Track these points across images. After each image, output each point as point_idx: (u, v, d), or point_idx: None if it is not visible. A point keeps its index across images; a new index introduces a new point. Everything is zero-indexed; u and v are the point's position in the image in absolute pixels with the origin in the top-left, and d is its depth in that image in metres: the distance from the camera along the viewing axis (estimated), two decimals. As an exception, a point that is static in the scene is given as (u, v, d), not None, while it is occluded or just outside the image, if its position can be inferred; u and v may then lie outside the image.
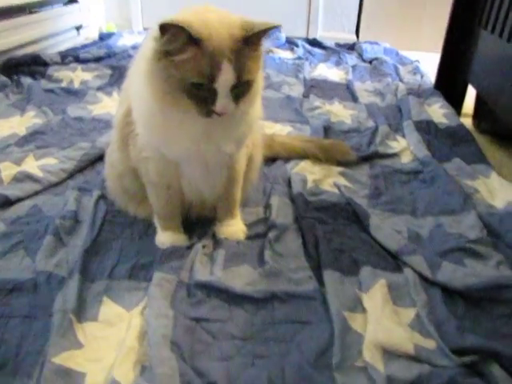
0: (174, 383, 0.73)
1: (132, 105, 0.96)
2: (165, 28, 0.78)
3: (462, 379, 0.77)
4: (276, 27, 0.83)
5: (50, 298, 0.91)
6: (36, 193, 1.28)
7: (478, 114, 1.95)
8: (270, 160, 1.45)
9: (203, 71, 0.79)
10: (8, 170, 1.34)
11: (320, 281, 0.99)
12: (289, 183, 1.35)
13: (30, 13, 2.46)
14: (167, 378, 0.73)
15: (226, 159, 1.02)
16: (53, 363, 0.77)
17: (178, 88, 0.82)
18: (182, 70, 0.80)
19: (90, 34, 3.10)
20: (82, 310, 0.90)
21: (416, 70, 2.50)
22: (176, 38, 0.78)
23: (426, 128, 1.74)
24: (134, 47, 2.63)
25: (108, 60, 2.44)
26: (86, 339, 0.84)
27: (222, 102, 0.82)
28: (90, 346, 0.83)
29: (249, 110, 0.93)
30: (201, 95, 0.82)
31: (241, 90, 0.84)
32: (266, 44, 0.88)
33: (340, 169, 1.46)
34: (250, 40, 0.81)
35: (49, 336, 0.82)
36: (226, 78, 0.80)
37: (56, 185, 1.33)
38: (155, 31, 0.80)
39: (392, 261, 1.07)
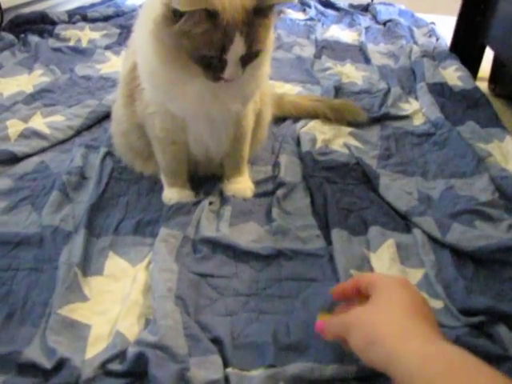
0: (177, 335, 0.73)
1: (137, 60, 0.94)
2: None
3: (468, 338, 0.77)
4: (289, 0, 0.81)
5: (55, 252, 0.91)
6: (43, 149, 1.27)
7: (494, 78, 1.90)
8: (280, 119, 1.43)
9: (216, 44, 0.78)
10: (15, 126, 1.33)
11: (327, 239, 0.99)
12: (298, 142, 1.33)
13: (39, -31, 2.42)
14: (170, 329, 0.73)
15: (233, 116, 1.00)
16: (58, 314, 0.78)
17: (187, 56, 0.81)
18: (194, 42, 0.79)
19: (98, -7, 3.04)
20: (88, 264, 0.90)
21: (431, 33, 2.42)
22: (193, 15, 0.76)
23: (440, 90, 1.69)
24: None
25: (116, 19, 2.39)
26: (92, 292, 0.85)
27: (231, 70, 0.82)
28: (95, 299, 0.84)
29: (256, 70, 0.91)
30: (210, 63, 0.82)
31: (250, 56, 0.83)
32: (277, 9, 0.85)
33: (350, 129, 1.43)
34: (262, 10, 0.79)
35: (55, 288, 0.83)
36: (236, 50, 0.79)
37: (63, 142, 1.32)
38: None
39: (401, 221, 1.06)
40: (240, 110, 0.98)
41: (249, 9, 0.78)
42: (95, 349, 0.74)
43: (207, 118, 0.97)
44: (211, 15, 0.76)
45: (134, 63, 0.96)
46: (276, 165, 1.22)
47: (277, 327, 0.78)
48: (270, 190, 1.13)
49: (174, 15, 0.77)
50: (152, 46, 0.85)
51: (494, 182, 1.17)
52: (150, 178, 1.14)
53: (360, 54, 2.15)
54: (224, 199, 1.09)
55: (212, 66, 0.82)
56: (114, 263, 0.92)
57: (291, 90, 1.67)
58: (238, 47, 0.79)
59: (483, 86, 1.91)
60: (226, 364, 0.73)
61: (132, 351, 0.71)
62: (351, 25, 2.59)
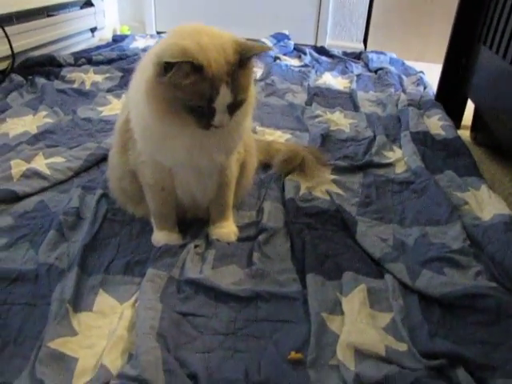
0: (156, 370, 0.79)
1: (131, 115, 1.04)
2: (171, 63, 0.85)
3: (427, 380, 0.82)
4: (268, 50, 0.91)
5: (49, 288, 0.98)
6: (43, 189, 1.35)
7: (475, 127, 2.00)
8: (267, 166, 1.52)
9: (204, 95, 0.88)
10: (18, 167, 1.41)
11: (304, 283, 1.05)
12: (283, 189, 1.41)
13: (48, 16, 2.56)
14: (150, 365, 0.79)
15: (218, 166, 1.09)
16: (48, 347, 0.84)
17: (179, 107, 0.91)
18: (184, 93, 0.88)
19: (104, 36, 3.19)
20: (79, 301, 0.97)
21: (419, 81, 2.54)
22: (180, 69, 0.86)
23: (423, 139, 1.78)
24: (145, 50, 2.70)
25: (120, 62, 2.52)
26: (81, 327, 0.91)
27: (220, 117, 0.91)
28: (83, 334, 0.90)
29: (239, 123, 1.01)
30: (200, 112, 0.91)
31: (236, 104, 0.93)
32: (256, 62, 0.96)
33: (334, 176, 1.51)
34: (244, 62, 0.90)
35: (47, 323, 0.89)
36: (223, 99, 0.89)
37: (62, 182, 1.40)
38: (156, 57, 0.88)
39: (374, 267, 1.12)
40: (224, 160, 1.08)
41: (232, 62, 0.89)
42: (80, 381, 0.80)
43: (194, 168, 1.06)
44: (197, 69, 0.86)
45: (128, 117, 1.06)
46: (260, 210, 1.30)
47: (249, 365, 0.85)
48: (252, 234, 1.21)
49: (165, 70, 0.86)
50: (147, 105, 0.94)
51: (466, 229, 1.24)
52: (142, 220, 1.22)
53: (350, 102, 2.25)
54: (209, 242, 1.16)
55: (202, 114, 0.91)
56: (103, 300, 0.98)
57: (281, 137, 1.77)
58: (224, 97, 0.89)
59: (466, 134, 2.01)
60: (200, 398, 0.78)
61: (113, 384, 0.77)
62: (344, 72, 2.71)
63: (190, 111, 0.91)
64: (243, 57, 0.89)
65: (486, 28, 1.87)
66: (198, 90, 0.88)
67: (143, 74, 0.95)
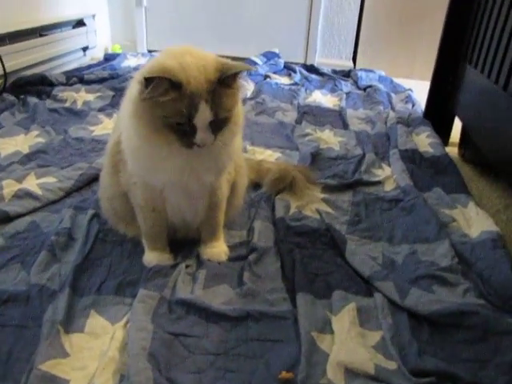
0: (147, 391, 0.80)
1: (122, 136, 1.05)
2: (150, 79, 0.88)
3: (416, 398, 0.83)
4: (249, 69, 0.93)
5: (41, 310, 0.98)
6: (35, 209, 1.36)
7: (463, 144, 2.03)
8: (258, 185, 1.53)
9: (183, 112, 0.90)
10: (10, 187, 1.42)
11: (294, 302, 1.05)
12: (273, 208, 1.42)
13: (41, 35, 2.58)
14: (142, 386, 0.80)
15: (208, 187, 1.11)
16: (39, 370, 0.84)
17: (162, 125, 0.92)
18: (164, 110, 0.90)
19: (95, 55, 3.22)
20: (70, 322, 0.97)
21: (408, 99, 2.58)
22: (159, 85, 0.88)
23: (411, 157, 1.81)
24: (137, 69, 2.71)
25: (111, 82, 2.54)
26: (72, 349, 0.91)
27: (201, 135, 0.92)
28: (75, 356, 0.90)
29: (228, 143, 1.02)
30: (182, 130, 0.93)
31: (218, 123, 0.94)
32: (243, 82, 0.97)
33: (324, 195, 1.53)
34: (225, 80, 0.92)
35: (38, 344, 0.89)
36: (203, 117, 0.91)
37: (54, 202, 1.41)
38: (140, 76, 0.91)
39: (364, 285, 1.13)
40: (214, 181, 1.09)
41: (212, 80, 0.91)
42: (72, 403, 0.81)
43: (184, 189, 1.08)
44: (176, 86, 0.88)
45: (119, 138, 1.07)
46: (251, 230, 1.31)
47: (240, 385, 0.85)
48: (243, 254, 1.22)
49: (146, 86, 0.89)
50: (132, 126, 0.97)
51: (454, 247, 1.26)
52: (133, 240, 1.23)
53: (339, 119, 2.28)
54: (200, 262, 1.17)
55: (184, 133, 0.93)
56: (95, 321, 0.99)
57: (271, 156, 1.79)
58: (204, 114, 0.90)
59: (454, 151, 2.04)
60: (191, 419, 0.79)
61: (106, 406, 0.77)
62: (333, 90, 2.75)
63: (172, 129, 0.93)
64: (223, 75, 0.91)
65: (471, 47, 1.92)
66: (177, 106, 0.89)
67: (130, 93, 0.97)
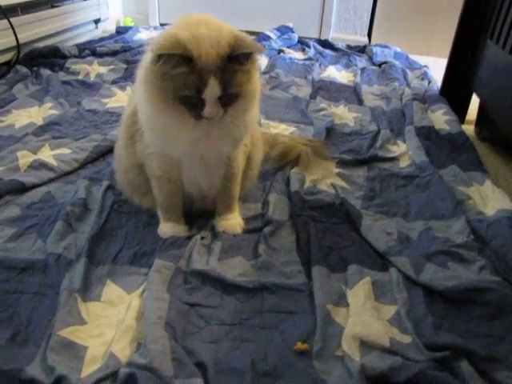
0: (165, 359, 0.80)
1: (137, 106, 1.05)
2: (161, 54, 0.87)
3: (430, 372, 0.83)
4: (261, 51, 0.93)
5: (58, 278, 0.99)
6: (50, 180, 1.36)
7: (479, 122, 2.00)
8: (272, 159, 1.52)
9: (192, 86, 0.89)
10: (25, 158, 1.42)
11: (309, 275, 1.06)
12: (288, 182, 1.42)
13: (52, 7, 2.56)
14: (159, 353, 0.81)
15: (224, 158, 1.10)
16: (58, 335, 0.85)
17: (172, 96, 0.92)
18: (174, 82, 0.90)
19: (107, 28, 3.19)
20: (87, 291, 0.98)
21: (424, 76, 2.54)
22: (170, 59, 0.88)
23: (427, 134, 1.79)
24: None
25: (124, 54, 2.52)
26: (89, 317, 0.92)
27: (209, 109, 0.92)
28: (92, 323, 0.91)
29: (244, 114, 1.01)
30: (191, 102, 0.92)
31: (228, 98, 0.93)
32: (255, 58, 0.96)
33: (338, 170, 1.52)
34: (237, 57, 0.90)
35: (56, 312, 0.91)
36: (212, 92, 0.90)
37: (69, 173, 1.41)
38: (153, 44, 0.90)
39: (379, 260, 1.13)
40: (230, 152, 1.09)
41: (223, 56, 0.89)
42: (90, 368, 0.82)
43: (200, 160, 1.07)
44: (187, 60, 0.87)
45: (135, 108, 1.07)
46: (265, 203, 1.31)
47: (256, 355, 0.86)
48: (258, 226, 1.22)
49: (157, 59, 0.88)
50: (143, 90, 0.97)
51: (470, 224, 1.25)
52: (148, 212, 1.23)
53: (354, 95, 2.25)
54: (215, 234, 1.17)
55: (193, 105, 0.93)
56: (111, 290, 1.00)
57: (285, 130, 1.77)
58: (212, 89, 0.90)
59: (470, 129, 2.01)
60: (208, 387, 0.80)
61: (123, 372, 0.78)
62: (348, 65, 2.71)
63: (181, 101, 0.93)
64: (235, 52, 0.90)
65: (493, 22, 1.87)
66: (187, 80, 0.89)
67: (145, 61, 0.97)
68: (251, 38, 0.94)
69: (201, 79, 0.89)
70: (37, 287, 0.98)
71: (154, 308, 0.91)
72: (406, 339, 0.91)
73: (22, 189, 1.30)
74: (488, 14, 1.93)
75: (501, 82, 1.72)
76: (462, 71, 2.10)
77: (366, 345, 0.89)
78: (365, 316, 0.95)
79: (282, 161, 1.50)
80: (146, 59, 0.95)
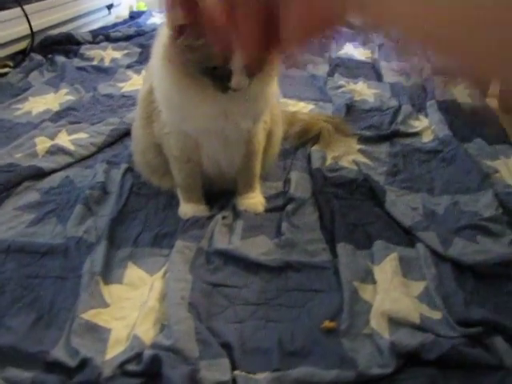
0: (189, 340, 0.79)
1: (153, 84, 1.02)
2: (184, 25, 0.83)
3: (463, 348, 0.80)
4: None
5: (79, 261, 0.98)
6: (68, 165, 1.35)
7: (503, 95, 1.94)
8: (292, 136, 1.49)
9: (218, 55, 0.85)
10: (43, 143, 1.42)
11: (334, 253, 1.03)
12: (309, 159, 1.39)
13: (65, -7, 2.54)
14: (184, 334, 0.79)
15: (244, 134, 1.07)
16: (81, 318, 0.84)
17: (195, 70, 0.88)
18: (198, 54, 0.86)
19: (120, 13, 3.16)
20: (108, 273, 0.97)
21: (444, 50, 2.47)
22: (194, 30, 0.83)
23: (450, 108, 1.74)
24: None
25: (138, 39, 2.49)
26: (112, 299, 0.91)
27: (237, 78, 0.88)
28: (115, 306, 0.90)
29: (264, 88, 0.98)
30: (217, 74, 0.88)
31: (254, 66, 0.89)
32: None
33: (360, 146, 1.49)
34: None
35: (78, 295, 0.90)
36: (239, 59, 0.85)
37: (86, 158, 1.40)
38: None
39: (405, 236, 1.10)
40: (251, 128, 1.05)
41: None
42: (114, 350, 0.81)
43: (219, 137, 1.04)
44: None
45: (151, 87, 1.04)
46: (287, 181, 1.28)
47: (282, 334, 0.84)
48: (280, 205, 1.19)
49: (179, 33, 0.84)
50: (164, 69, 0.94)
51: (497, 197, 1.21)
52: (167, 193, 1.21)
53: (373, 72, 2.21)
54: (236, 214, 1.15)
55: (219, 76, 0.89)
56: (133, 272, 0.98)
57: (304, 108, 1.74)
58: (240, 57, 0.85)
59: (494, 102, 1.95)
60: (234, 367, 0.78)
61: (148, 353, 0.77)
62: (365, 42, 2.65)
63: (206, 74, 0.89)
64: None
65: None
66: (213, 50, 0.84)
67: (162, 37, 0.93)
68: None
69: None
70: (58, 271, 0.97)
71: (177, 289, 0.90)
72: (437, 315, 0.89)
73: (41, 174, 1.29)
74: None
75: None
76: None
77: (395, 322, 0.86)
78: (393, 292, 0.92)
79: (303, 138, 1.47)
80: (163, 35, 0.92)
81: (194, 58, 0.87)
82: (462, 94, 1.89)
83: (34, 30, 2.22)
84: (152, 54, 1.02)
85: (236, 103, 0.97)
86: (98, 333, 0.84)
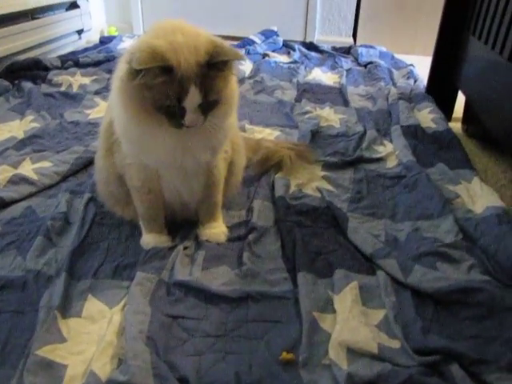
0: (146, 375, 0.78)
1: (112, 116, 1.03)
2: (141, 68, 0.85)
3: (420, 377, 0.81)
4: (240, 59, 0.91)
5: (37, 295, 0.97)
6: (31, 195, 1.34)
7: (466, 119, 1.99)
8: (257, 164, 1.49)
9: (173, 95, 0.87)
10: (5, 173, 1.40)
11: (295, 282, 1.04)
12: (272, 187, 1.40)
13: (33, 19, 2.53)
14: (140, 370, 0.78)
15: (203, 166, 1.08)
16: (36, 355, 0.83)
17: (151, 106, 0.90)
18: (154, 93, 0.88)
19: (91, 38, 3.17)
20: (67, 307, 0.95)
21: (410, 74, 2.53)
22: (149, 71, 0.85)
23: (414, 133, 1.77)
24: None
25: (107, 64, 2.49)
26: (69, 334, 0.90)
27: (191, 117, 0.90)
28: (72, 340, 0.89)
29: (222, 121, 1.00)
30: (171, 112, 0.90)
31: (208, 105, 0.92)
32: (234, 64, 0.94)
33: (324, 173, 1.50)
34: (216, 64, 0.89)
35: (35, 330, 0.88)
36: (192, 100, 0.88)
37: (50, 187, 1.39)
38: (129, 55, 0.88)
39: (366, 264, 1.11)
40: (210, 160, 1.07)
41: (202, 63, 0.88)
42: (70, 388, 0.79)
43: (179, 169, 1.05)
44: (167, 69, 0.86)
45: (112, 119, 1.05)
46: (250, 209, 1.29)
47: (240, 367, 0.84)
48: (242, 234, 1.19)
49: (136, 71, 0.86)
50: (120, 102, 0.95)
51: (458, 223, 1.23)
52: (130, 223, 1.21)
53: (340, 97, 2.24)
54: (198, 244, 1.15)
55: (173, 114, 0.91)
56: (92, 305, 0.97)
57: (270, 135, 1.75)
58: (193, 97, 0.88)
59: (457, 126, 2.00)
60: (191, 402, 0.77)
61: (103, 390, 0.76)
62: (333, 67, 2.70)
63: (161, 111, 0.91)
64: (213, 60, 0.88)
65: (474, 18, 1.86)
66: (168, 90, 0.87)
67: (119, 71, 0.95)
68: (228, 43, 0.93)
69: (181, 88, 0.87)
70: (16, 305, 0.95)
71: (135, 322, 0.89)
72: (395, 344, 0.89)
73: (2, 204, 1.27)
74: (470, 10, 1.93)
75: (484, 78, 1.72)
76: (447, 69, 2.09)
77: (353, 352, 0.87)
78: (352, 322, 0.93)
79: (265, 166, 1.48)
80: (121, 69, 0.93)
81: (149, 95, 0.89)
82: (425, 118, 1.93)
83: (1, 55, 2.21)
84: (111, 87, 1.03)
85: (193, 137, 0.98)
86: (54, 369, 0.82)
